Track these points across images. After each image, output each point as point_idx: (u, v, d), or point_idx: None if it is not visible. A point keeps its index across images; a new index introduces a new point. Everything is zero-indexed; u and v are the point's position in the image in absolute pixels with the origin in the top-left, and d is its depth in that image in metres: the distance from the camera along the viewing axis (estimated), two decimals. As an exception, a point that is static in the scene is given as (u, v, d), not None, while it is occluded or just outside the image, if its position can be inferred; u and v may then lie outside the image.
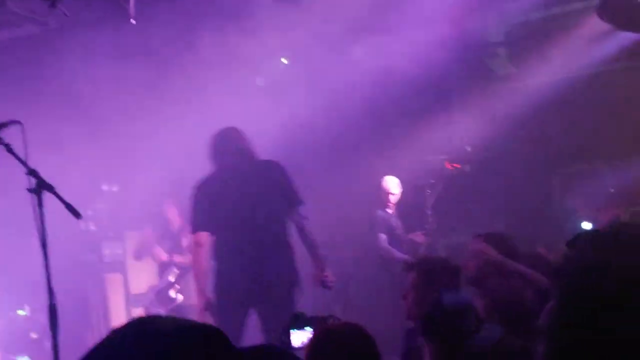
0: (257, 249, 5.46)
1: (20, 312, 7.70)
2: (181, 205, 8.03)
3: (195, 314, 6.12)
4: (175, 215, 8.25)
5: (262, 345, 1.71)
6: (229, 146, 5.73)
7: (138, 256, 8.61)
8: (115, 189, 9.11)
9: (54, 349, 3.84)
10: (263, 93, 8.59)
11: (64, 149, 7.09)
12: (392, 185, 8.24)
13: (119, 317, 8.61)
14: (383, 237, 8.06)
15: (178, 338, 1.25)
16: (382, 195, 8.23)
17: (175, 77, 7.54)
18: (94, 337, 7.89)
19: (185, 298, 8.04)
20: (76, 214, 3.99)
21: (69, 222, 4.08)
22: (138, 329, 1.27)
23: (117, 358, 1.23)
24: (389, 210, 8.26)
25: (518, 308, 3.84)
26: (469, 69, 8.91)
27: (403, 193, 8.26)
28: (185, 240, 7.82)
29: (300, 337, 3.41)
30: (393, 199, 8.23)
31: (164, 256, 8.18)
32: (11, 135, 3.97)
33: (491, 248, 4.33)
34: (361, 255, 8.38)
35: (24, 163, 3.95)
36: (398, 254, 7.90)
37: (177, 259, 8.07)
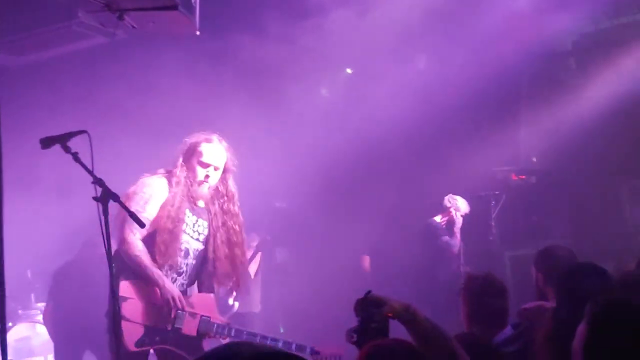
0: None
1: None
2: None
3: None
4: None
5: None
6: None
7: None
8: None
9: (114, 349, 3.89)
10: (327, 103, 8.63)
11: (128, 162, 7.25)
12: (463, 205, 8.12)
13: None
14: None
15: None
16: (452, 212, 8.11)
17: (242, 88, 7.57)
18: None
19: (240, 305, 8.14)
20: (139, 222, 4.04)
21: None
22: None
23: None
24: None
25: None
26: (536, 79, 8.74)
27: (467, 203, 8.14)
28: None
29: None
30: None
31: None
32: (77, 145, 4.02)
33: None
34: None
35: (90, 172, 3.99)
36: None
37: None
